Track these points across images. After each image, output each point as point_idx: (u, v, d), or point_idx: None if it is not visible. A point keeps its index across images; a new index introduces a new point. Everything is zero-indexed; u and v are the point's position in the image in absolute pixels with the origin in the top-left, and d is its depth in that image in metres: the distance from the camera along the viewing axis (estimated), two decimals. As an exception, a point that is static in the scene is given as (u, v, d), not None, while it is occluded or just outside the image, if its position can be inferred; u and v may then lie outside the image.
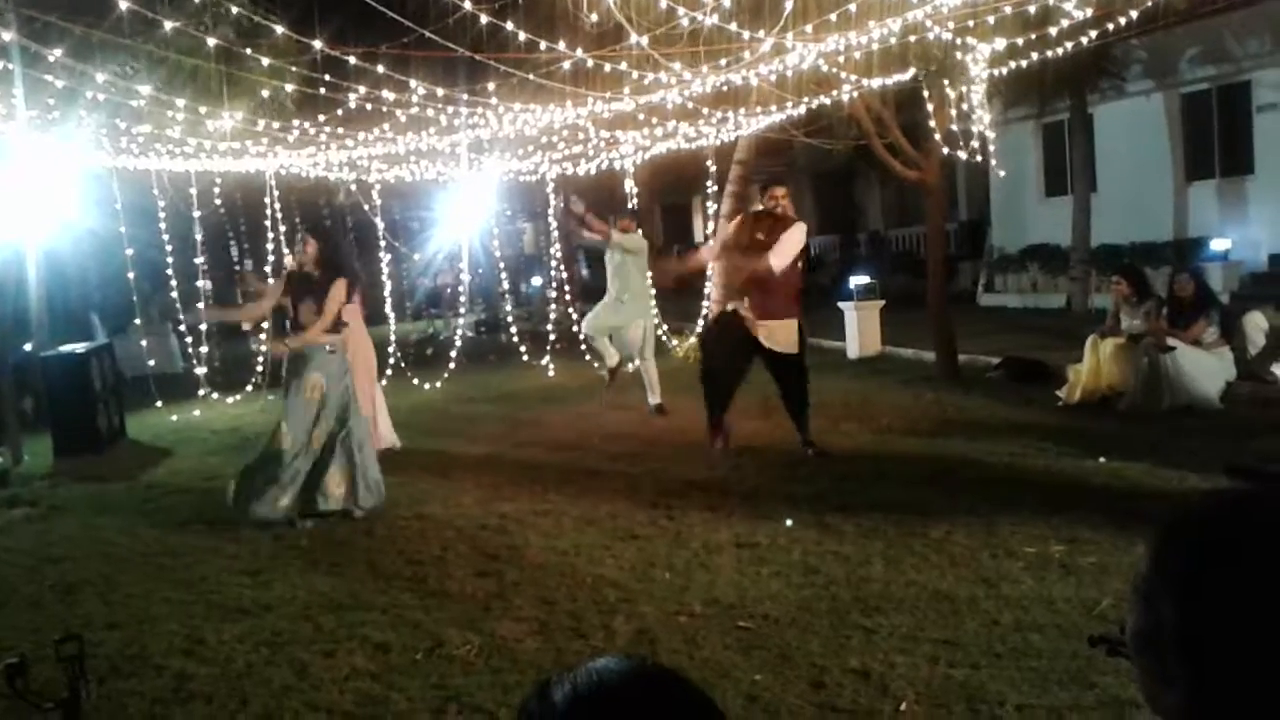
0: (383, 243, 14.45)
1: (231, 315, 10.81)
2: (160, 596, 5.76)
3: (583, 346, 13.32)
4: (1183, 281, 9.24)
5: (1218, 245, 15.54)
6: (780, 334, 7.91)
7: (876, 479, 7.19)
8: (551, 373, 13.66)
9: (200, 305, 12.46)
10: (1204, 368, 8.86)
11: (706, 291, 14.59)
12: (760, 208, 8.21)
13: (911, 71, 9.74)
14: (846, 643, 4.45)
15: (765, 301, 7.88)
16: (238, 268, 16.77)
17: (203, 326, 12.77)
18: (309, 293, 7.23)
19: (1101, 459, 7.24)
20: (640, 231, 11.10)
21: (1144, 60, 16.57)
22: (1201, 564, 1.04)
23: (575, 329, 14.24)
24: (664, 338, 13.93)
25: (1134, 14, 8.21)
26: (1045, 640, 4.30)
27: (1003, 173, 12.68)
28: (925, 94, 10.40)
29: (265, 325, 10.01)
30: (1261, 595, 1.00)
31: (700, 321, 14.51)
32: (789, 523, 6.16)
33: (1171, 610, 1.04)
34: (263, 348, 13.10)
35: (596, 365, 10.69)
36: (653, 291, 11.05)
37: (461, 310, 16.06)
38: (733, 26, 7.22)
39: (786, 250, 7.78)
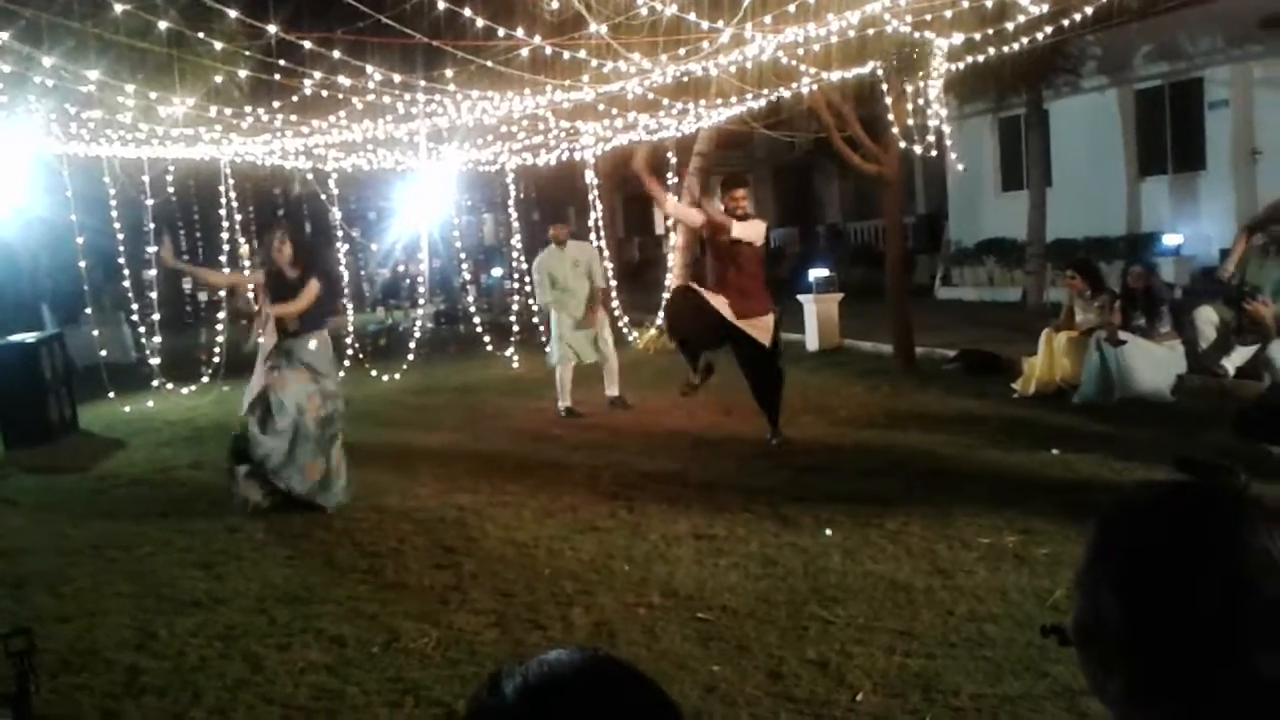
0: (340, 233, 14.32)
1: (204, 275, 10.46)
2: (112, 590, 5.69)
3: (543, 339, 13.28)
4: (1137, 273, 9.36)
5: (1170, 240, 15.76)
6: (759, 326, 7.94)
7: (834, 471, 7.23)
8: (515, 364, 13.62)
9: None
10: (1155, 361, 8.98)
11: (666, 283, 14.59)
12: (724, 209, 8.16)
13: (871, 65, 9.78)
14: (804, 633, 4.48)
15: (742, 303, 7.89)
16: (185, 256, 16.55)
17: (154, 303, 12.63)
18: (287, 294, 7.18)
19: (1055, 451, 7.32)
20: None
21: (1099, 56, 16.75)
22: (1138, 556, 1.05)
23: (536, 320, 14.21)
24: (625, 329, 13.92)
25: (1089, 10, 8.28)
26: (999, 630, 4.35)
27: (961, 167, 12.75)
28: (884, 88, 10.45)
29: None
30: (1196, 587, 1.01)
31: (660, 314, 14.52)
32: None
33: (1111, 602, 1.05)
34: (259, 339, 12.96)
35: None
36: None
37: (420, 301, 15.96)
38: (692, 17, 7.21)
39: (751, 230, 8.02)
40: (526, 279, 15.73)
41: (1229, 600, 1.00)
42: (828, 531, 5.86)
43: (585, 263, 10.41)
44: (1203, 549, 1.03)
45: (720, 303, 7.87)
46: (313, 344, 7.19)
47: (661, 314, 8.08)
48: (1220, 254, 15.38)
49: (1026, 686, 3.85)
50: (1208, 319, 9.57)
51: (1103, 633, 1.06)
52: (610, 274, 14.43)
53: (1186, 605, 1.01)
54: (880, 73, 10.06)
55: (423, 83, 8.70)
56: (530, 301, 15.01)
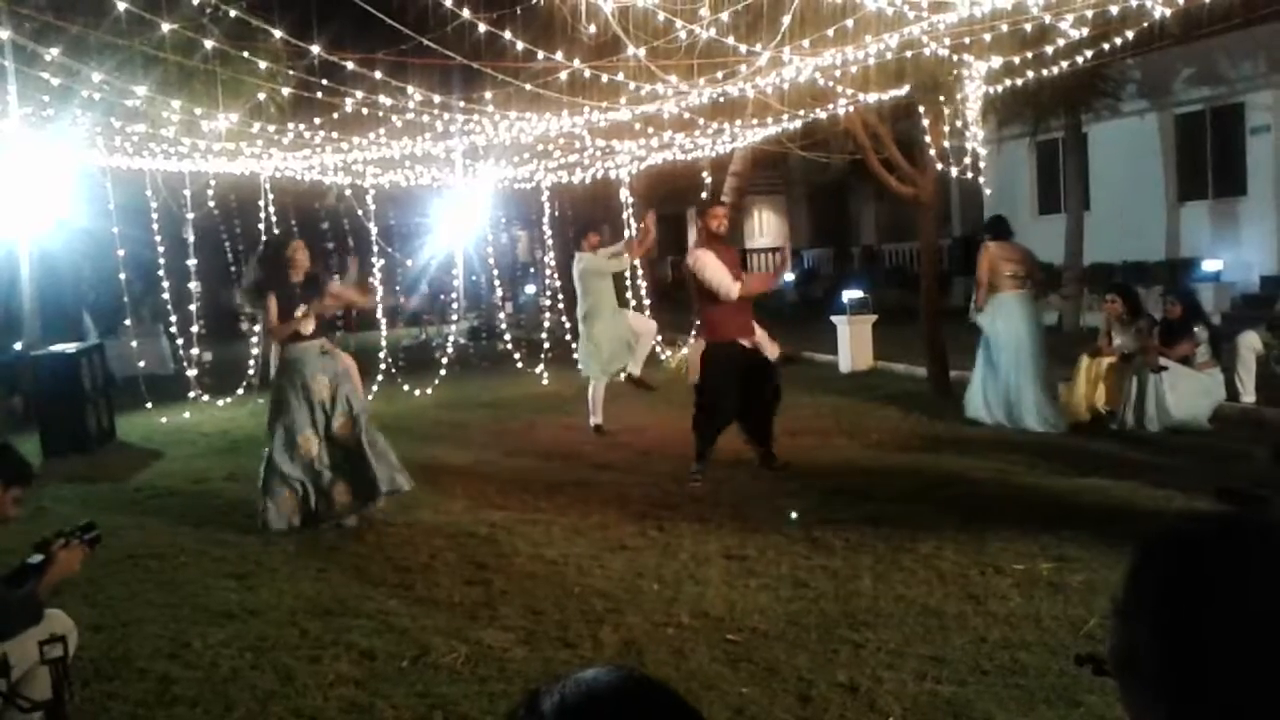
0: (376, 248, 14.44)
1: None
2: (145, 599, 5.74)
3: (575, 355, 13.31)
4: (1170, 303, 9.29)
5: (1209, 266, 15.60)
6: (766, 341, 7.88)
7: (866, 494, 7.19)
8: (545, 381, 13.65)
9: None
10: (1194, 388, 8.89)
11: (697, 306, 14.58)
12: (710, 232, 7.89)
13: (907, 87, 9.76)
14: (834, 657, 4.45)
15: (748, 322, 7.83)
16: (233, 269, 16.76)
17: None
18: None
19: (1091, 477, 7.25)
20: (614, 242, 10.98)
21: (1139, 81, 16.66)
22: (1180, 592, 1.04)
23: (568, 337, 14.24)
24: (658, 349, 13.92)
25: (1130, 34, 8.24)
26: (1032, 658, 4.30)
27: (989, 191, 12.68)
28: (921, 110, 10.43)
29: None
30: (1240, 624, 1.00)
31: (691, 335, 14.52)
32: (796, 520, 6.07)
33: (1150, 637, 1.04)
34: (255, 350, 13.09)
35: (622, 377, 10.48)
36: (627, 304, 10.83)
37: (454, 317, 16.05)
38: (730, 40, 7.24)
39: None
40: (559, 296, 15.84)
41: (1275, 634, 0.99)
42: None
43: (615, 264, 10.50)
44: (1248, 583, 1.02)
45: (745, 341, 7.75)
46: (322, 349, 7.22)
47: (696, 371, 7.91)
48: (1260, 280, 15.24)
49: (1060, 716, 3.81)
50: (1250, 345, 9.50)
51: (1144, 664, 1.04)
52: (644, 292, 14.52)
53: (1231, 639, 1.00)
54: (917, 95, 10.05)
55: (461, 103, 8.79)
56: (564, 319, 15.10)
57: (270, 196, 13.37)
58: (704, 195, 14.54)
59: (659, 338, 12.97)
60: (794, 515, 6.64)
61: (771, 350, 7.89)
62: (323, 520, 6.96)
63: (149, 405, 12.34)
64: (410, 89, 8.00)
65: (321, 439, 7.03)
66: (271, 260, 7.25)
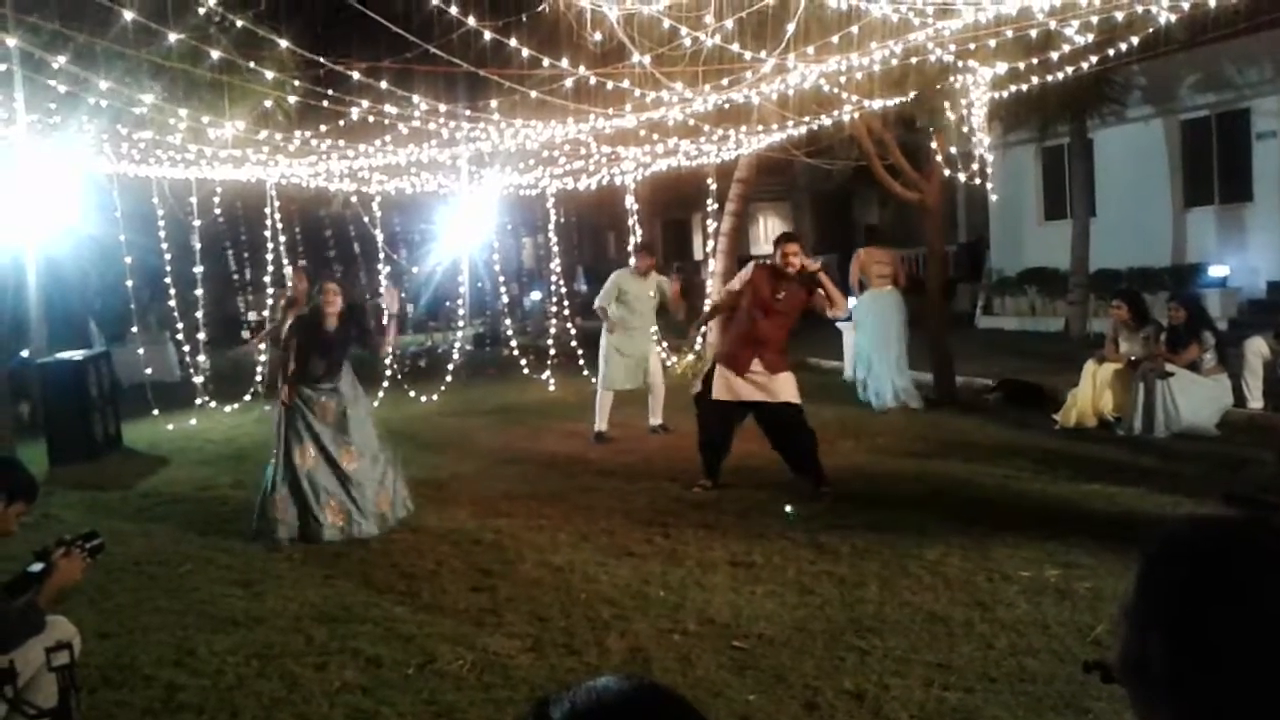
0: (382, 255, 14.46)
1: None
2: (152, 606, 5.74)
3: (581, 361, 13.32)
4: (1174, 308, 9.28)
5: (1216, 272, 15.57)
6: (785, 386, 7.64)
7: (872, 500, 7.18)
8: (552, 387, 13.65)
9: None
10: (1201, 394, 8.87)
11: (705, 308, 14.58)
12: (773, 263, 7.71)
13: (913, 93, 9.76)
14: (840, 664, 4.44)
15: (773, 358, 7.61)
16: (236, 276, 16.80)
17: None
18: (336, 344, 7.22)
19: (1097, 484, 7.23)
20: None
21: (1144, 86, 16.64)
22: (1191, 597, 1.03)
23: (574, 344, 14.25)
24: (663, 355, 13.92)
25: (1135, 40, 8.24)
26: (1040, 665, 4.29)
27: (995, 196, 12.68)
28: (926, 116, 10.42)
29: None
30: (1252, 628, 0.99)
31: (698, 341, 14.52)
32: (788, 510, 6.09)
33: (1161, 642, 1.03)
34: (261, 358, 13.12)
35: (592, 381, 10.53)
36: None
37: (460, 323, 16.06)
38: (735, 47, 7.24)
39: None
40: (565, 303, 15.84)
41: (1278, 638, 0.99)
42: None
43: (658, 295, 10.34)
44: (1259, 586, 1.01)
45: (750, 381, 7.54)
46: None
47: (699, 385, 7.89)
48: (1267, 286, 15.21)
49: (1067, 723, 3.79)
50: (1257, 350, 9.48)
51: (1155, 669, 1.04)
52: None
53: (1243, 642, 1.00)
54: (922, 101, 10.04)
55: (467, 110, 8.80)
56: (568, 324, 15.11)
57: (276, 204, 13.40)
58: (710, 201, 14.58)
59: (664, 344, 12.98)
60: (789, 509, 6.67)
61: (787, 394, 7.61)
62: (313, 539, 6.91)
63: (155, 412, 12.35)
64: (416, 97, 8.02)
65: (319, 458, 7.03)
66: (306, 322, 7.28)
